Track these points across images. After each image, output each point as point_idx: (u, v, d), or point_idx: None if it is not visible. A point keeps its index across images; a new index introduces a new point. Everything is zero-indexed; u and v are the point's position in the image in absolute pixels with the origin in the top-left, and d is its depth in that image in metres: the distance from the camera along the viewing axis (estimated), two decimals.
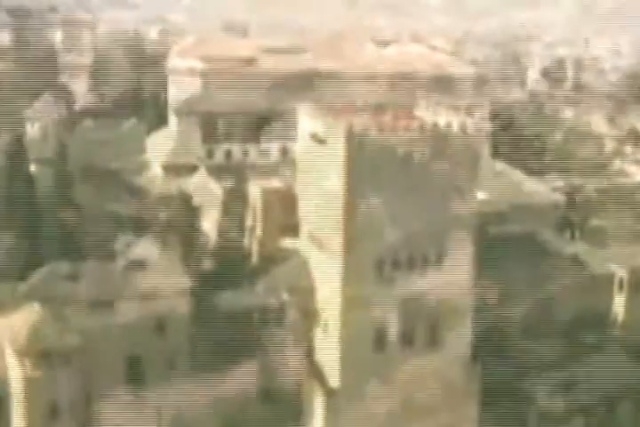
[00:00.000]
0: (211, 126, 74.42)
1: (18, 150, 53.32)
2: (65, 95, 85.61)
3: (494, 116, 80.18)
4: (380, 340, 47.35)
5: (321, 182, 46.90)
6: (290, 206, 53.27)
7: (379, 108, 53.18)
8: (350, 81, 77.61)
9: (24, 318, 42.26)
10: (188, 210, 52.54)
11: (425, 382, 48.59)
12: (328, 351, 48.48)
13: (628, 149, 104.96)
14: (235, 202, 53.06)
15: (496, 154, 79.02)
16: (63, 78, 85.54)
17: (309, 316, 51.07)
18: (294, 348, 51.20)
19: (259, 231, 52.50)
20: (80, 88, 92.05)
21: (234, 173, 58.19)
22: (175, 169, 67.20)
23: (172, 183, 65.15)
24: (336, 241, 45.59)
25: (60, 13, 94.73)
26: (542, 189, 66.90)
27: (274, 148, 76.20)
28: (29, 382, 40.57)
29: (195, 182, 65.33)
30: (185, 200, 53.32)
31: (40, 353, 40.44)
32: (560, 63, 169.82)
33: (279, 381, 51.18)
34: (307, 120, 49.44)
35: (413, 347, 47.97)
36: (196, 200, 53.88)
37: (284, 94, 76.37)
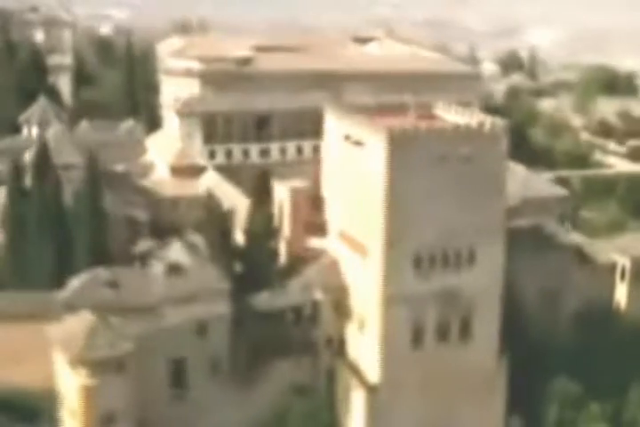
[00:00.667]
0: (211, 127, 74.65)
1: (43, 157, 52.91)
2: (54, 97, 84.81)
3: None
4: (417, 335, 48.87)
5: (358, 183, 48.03)
6: (317, 206, 54.22)
7: (400, 108, 54.60)
8: (351, 80, 78.74)
9: (77, 326, 42.36)
10: (218, 212, 52.88)
11: (458, 375, 50.41)
12: (365, 349, 49.75)
13: (602, 140, 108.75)
14: (260, 202, 53.58)
15: None
16: (51, 79, 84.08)
17: (342, 314, 52.30)
18: (327, 345, 52.58)
19: (287, 231, 53.20)
20: (65, 89, 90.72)
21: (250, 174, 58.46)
22: (183, 171, 67.29)
23: (184, 185, 65.32)
24: (375, 240, 46.78)
25: (40, 13, 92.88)
26: (546, 184, 69.09)
27: (274, 147, 76.96)
28: (87, 391, 40.69)
29: (206, 184, 65.56)
30: (215, 203, 53.62)
31: (96, 361, 40.62)
32: (512, 54, 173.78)
33: (313, 378, 52.54)
34: (336, 122, 50.30)
35: (448, 341, 49.61)
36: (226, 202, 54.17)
37: (283, 94, 77.25)
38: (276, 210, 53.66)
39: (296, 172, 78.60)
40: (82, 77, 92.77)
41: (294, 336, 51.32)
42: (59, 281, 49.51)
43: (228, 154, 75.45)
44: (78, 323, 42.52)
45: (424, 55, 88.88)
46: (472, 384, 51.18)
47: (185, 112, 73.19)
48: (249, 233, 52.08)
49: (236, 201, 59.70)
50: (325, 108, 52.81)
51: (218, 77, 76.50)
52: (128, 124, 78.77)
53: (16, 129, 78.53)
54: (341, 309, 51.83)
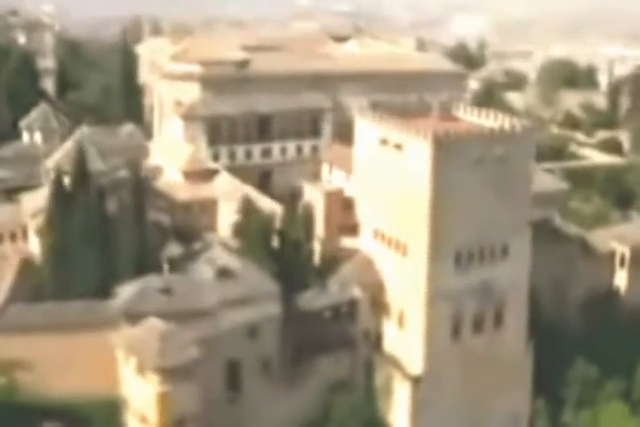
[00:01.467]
0: (214, 129, 75.39)
1: (82, 165, 52.98)
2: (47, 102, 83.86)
3: None
4: (456, 327, 51.36)
5: (397, 185, 50.02)
6: (347, 208, 56.01)
7: (422, 111, 56.75)
8: (346, 80, 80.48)
9: (144, 333, 43.25)
10: (257, 215, 54.10)
11: (492, 362, 53.11)
12: (405, 342, 51.92)
13: (570, 133, 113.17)
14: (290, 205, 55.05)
15: None
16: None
17: (378, 310, 54.30)
18: (364, 340, 54.56)
19: (320, 232, 54.79)
20: (49, 93, 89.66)
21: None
22: (196, 174, 67.98)
23: (198, 188, 66.05)
24: (418, 239, 48.97)
25: (21, 16, 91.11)
26: (549, 178, 72.40)
27: (275, 148, 78.24)
28: (161, 397, 41.65)
29: (221, 186, 66.49)
30: (253, 206, 54.72)
31: (169, 368, 41.61)
32: (461, 46, 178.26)
33: (351, 373, 54.43)
34: (370, 126, 52.19)
35: (483, 331, 52.27)
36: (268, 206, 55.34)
37: (281, 95, 78.48)
38: (300, 210, 55.47)
39: (296, 171, 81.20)
40: (64, 81, 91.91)
41: (334, 333, 53.38)
42: (103, 290, 50.49)
43: (232, 155, 76.47)
44: (145, 330, 43.57)
45: (411, 54, 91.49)
46: (504, 370, 54.11)
47: (189, 116, 74.14)
48: (283, 234, 53.59)
49: (260, 202, 61.26)
50: (356, 114, 54.69)
51: (218, 80, 77.44)
52: (128, 128, 79.12)
53: (9, 134, 78.28)
54: (378, 305, 54.20)
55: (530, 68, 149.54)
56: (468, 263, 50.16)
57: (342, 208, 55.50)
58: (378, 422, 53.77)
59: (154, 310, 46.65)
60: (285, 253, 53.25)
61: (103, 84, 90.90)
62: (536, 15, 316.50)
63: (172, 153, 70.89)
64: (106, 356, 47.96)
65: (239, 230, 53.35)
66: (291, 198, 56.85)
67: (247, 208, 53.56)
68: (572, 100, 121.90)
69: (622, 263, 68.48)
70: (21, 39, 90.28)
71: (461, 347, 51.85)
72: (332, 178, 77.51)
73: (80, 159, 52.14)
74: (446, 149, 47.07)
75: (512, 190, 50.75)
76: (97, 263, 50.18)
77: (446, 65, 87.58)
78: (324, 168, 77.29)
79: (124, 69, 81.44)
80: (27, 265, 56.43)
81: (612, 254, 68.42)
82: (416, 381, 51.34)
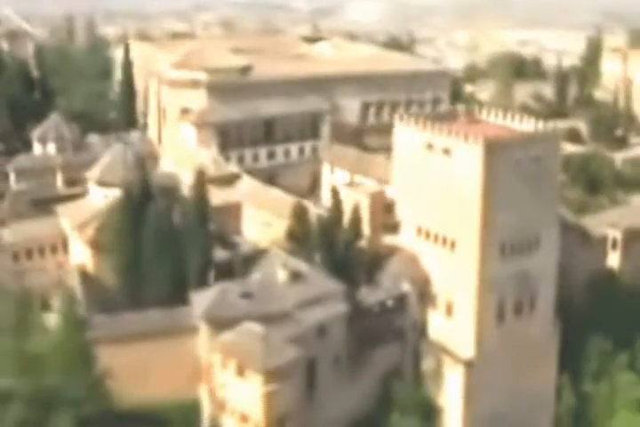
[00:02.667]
0: (224, 135, 77.47)
1: (144, 175, 54.70)
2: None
3: None
4: (500, 313, 56.33)
5: (445, 186, 54.34)
6: (389, 207, 59.86)
7: (450, 115, 61.04)
8: (341, 83, 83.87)
9: (242, 337, 46.00)
10: (306, 219, 57.28)
11: (527, 342, 58.36)
12: (454, 329, 56.57)
13: None
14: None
15: None
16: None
17: (425, 301, 58.54)
18: (414, 330, 58.77)
19: (366, 231, 58.42)
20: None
21: None
22: (220, 179, 70.08)
23: (224, 193, 68.22)
24: (468, 234, 53.62)
25: (3, 25, 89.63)
26: None
27: (279, 150, 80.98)
28: (267, 397, 44.55)
29: (245, 190, 68.94)
30: (304, 209, 57.83)
31: (273, 369, 44.59)
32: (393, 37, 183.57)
33: (402, 361, 58.56)
34: (412, 132, 56.19)
35: (521, 315, 57.50)
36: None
37: (282, 99, 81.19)
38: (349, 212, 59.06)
39: (299, 171, 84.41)
40: (46, 88, 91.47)
41: (386, 325, 57.34)
42: (173, 298, 52.66)
43: (241, 159, 78.91)
44: (242, 334, 46.30)
45: (393, 55, 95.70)
46: (536, 350, 59.71)
47: (201, 122, 76.03)
48: (333, 235, 56.90)
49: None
50: (395, 121, 58.54)
51: (223, 87, 79.55)
52: (135, 135, 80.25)
53: (11, 144, 77.99)
54: (424, 297, 58.50)
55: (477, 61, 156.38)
56: (510, 254, 55.41)
57: (383, 209, 59.62)
58: (430, 405, 58.60)
59: (236, 314, 49.46)
60: (337, 252, 56.86)
61: (93, 91, 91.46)
62: (434, 0, 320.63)
63: (189, 159, 72.80)
64: (184, 360, 50.81)
65: (293, 234, 56.56)
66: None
67: (300, 212, 56.78)
68: (524, 92, 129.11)
69: (614, 247, 75.53)
70: (4, 47, 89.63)
71: (504, 331, 57.05)
72: (335, 178, 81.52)
73: (143, 172, 53.96)
74: (494, 153, 51.89)
75: (544, 188, 56.16)
76: (167, 273, 52.68)
77: (429, 65, 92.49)
78: (325, 168, 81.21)
79: (124, 76, 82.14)
80: (86, 276, 58.45)
81: (604, 239, 75.59)
82: (468, 364, 56.22)
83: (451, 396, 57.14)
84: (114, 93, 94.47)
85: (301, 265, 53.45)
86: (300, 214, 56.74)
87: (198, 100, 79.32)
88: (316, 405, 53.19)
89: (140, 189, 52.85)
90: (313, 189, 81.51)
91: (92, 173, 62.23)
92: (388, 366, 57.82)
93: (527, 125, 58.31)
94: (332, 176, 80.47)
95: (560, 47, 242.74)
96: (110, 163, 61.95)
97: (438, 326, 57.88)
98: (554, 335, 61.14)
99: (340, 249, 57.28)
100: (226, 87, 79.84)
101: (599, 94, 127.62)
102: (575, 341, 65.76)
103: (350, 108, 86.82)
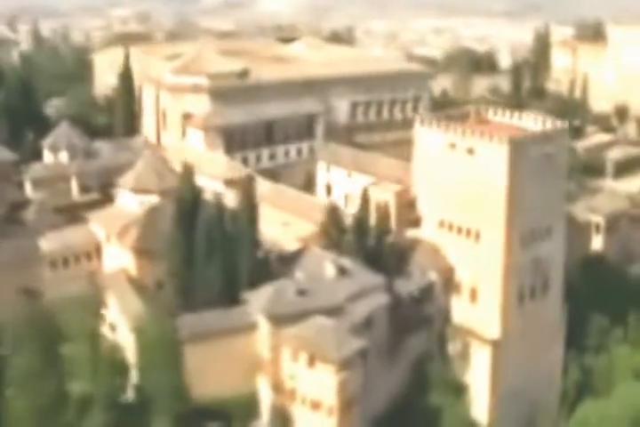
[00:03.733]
0: (229, 137, 79.98)
1: (190, 181, 56.96)
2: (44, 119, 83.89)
3: None
4: (520, 296, 61.42)
5: (469, 182, 58.90)
6: (411, 203, 64.01)
7: (460, 115, 65.46)
8: (333, 84, 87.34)
9: (311, 330, 49.69)
10: (339, 217, 60.80)
11: (541, 322, 63.69)
12: (479, 313, 61.40)
13: None
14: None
15: None
16: None
17: (448, 289, 63.03)
18: (439, 316, 63.25)
19: (393, 226, 62.41)
20: None
21: None
22: (238, 182, 72.51)
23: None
24: (493, 226, 58.58)
25: None
26: None
27: (279, 151, 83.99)
28: (341, 385, 48.57)
29: (263, 191, 71.69)
30: (336, 207, 61.34)
31: (345, 358, 48.33)
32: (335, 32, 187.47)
33: (430, 345, 63.01)
34: (435, 133, 60.55)
35: (536, 298, 62.72)
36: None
37: (280, 102, 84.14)
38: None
39: (296, 171, 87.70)
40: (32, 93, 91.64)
41: (417, 313, 61.67)
42: (224, 299, 55.46)
43: (245, 161, 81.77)
44: (311, 327, 50.03)
45: (375, 56, 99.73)
46: (549, 329, 65.26)
47: (208, 126, 78.39)
48: (363, 230, 60.70)
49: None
50: (415, 124, 62.60)
51: (225, 91, 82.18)
52: (139, 140, 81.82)
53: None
54: (448, 284, 63.02)
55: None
56: (528, 243, 60.63)
57: (406, 205, 63.82)
58: (458, 383, 63.32)
59: (294, 310, 52.81)
60: (369, 247, 60.72)
61: (80, 96, 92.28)
62: None
63: (202, 163, 74.98)
64: (243, 356, 53.78)
65: (327, 231, 60.08)
66: None
67: (334, 211, 60.33)
68: (481, 85, 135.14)
69: (598, 231, 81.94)
70: None
71: (523, 312, 62.33)
72: (331, 176, 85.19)
73: (191, 179, 56.35)
74: (518, 151, 56.87)
75: (555, 181, 61.57)
76: (218, 274, 55.37)
77: (412, 66, 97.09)
78: (320, 167, 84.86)
79: (124, 82, 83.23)
80: (131, 280, 60.51)
81: (588, 224, 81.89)
82: (495, 344, 61.21)
83: (478, 374, 62.13)
84: (99, 98, 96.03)
85: (344, 261, 57.32)
86: (334, 213, 60.51)
87: (200, 104, 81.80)
88: (365, 389, 57.47)
89: (190, 194, 55.51)
90: (308, 188, 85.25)
91: (126, 181, 64.21)
92: (418, 351, 62.50)
93: (533, 123, 63.78)
94: (328, 174, 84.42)
95: (479, 35, 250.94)
96: (144, 170, 64.19)
97: (463, 311, 62.84)
98: (562, 315, 67.23)
99: (371, 244, 61.50)
100: (227, 91, 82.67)
101: (552, 86, 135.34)
102: (575, 319, 71.92)
103: (340, 108, 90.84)
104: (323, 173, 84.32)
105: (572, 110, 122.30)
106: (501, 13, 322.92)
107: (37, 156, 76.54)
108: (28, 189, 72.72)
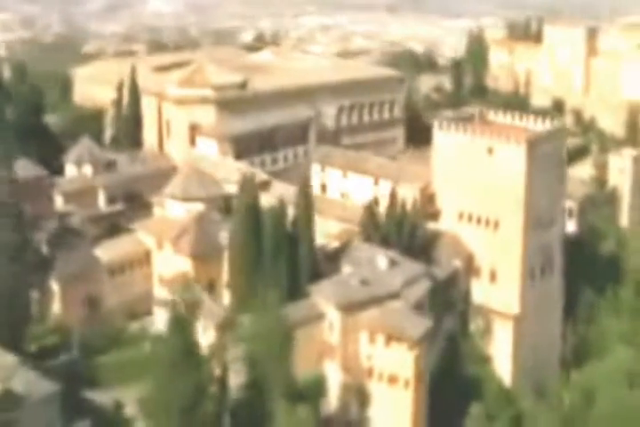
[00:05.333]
0: (237, 145, 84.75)
1: (252, 190, 61.79)
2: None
3: None
4: (532, 275, 69.85)
5: (488, 178, 66.83)
6: (431, 199, 71.24)
7: (465, 117, 73.18)
8: (320, 91, 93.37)
9: (386, 314, 56.44)
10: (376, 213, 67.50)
11: (545, 298, 72.48)
12: (499, 291, 69.62)
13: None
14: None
15: None
16: None
17: (468, 273, 70.70)
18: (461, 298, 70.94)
19: (415, 218, 69.57)
20: None
21: None
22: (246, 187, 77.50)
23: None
24: (512, 216, 66.90)
25: None
26: None
27: (280, 156, 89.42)
28: (416, 360, 55.39)
29: (280, 193, 77.01)
30: (374, 205, 67.92)
31: (420, 336, 55.60)
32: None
33: (455, 323, 70.63)
34: (451, 134, 68.09)
35: (544, 276, 71.45)
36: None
37: (277, 110, 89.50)
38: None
39: (295, 173, 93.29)
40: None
41: (447, 296, 69.13)
42: (289, 295, 61.25)
43: (251, 166, 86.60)
44: (385, 311, 56.68)
45: (349, 63, 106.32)
46: (553, 303, 74.17)
47: (220, 135, 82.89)
48: (398, 224, 67.64)
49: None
50: (435, 128, 69.99)
51: (229, 102, 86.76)
52: (148, 152, 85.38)
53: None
54: (469, 269, 70.69)
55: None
56: (539, 230, 69.35)
57: (427, 200, 71.17)
58: (482, 356, 71.21)
59: (360, 298, 59.15)
60: (403, 238, 67.72)
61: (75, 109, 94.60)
62: None
63: (219, 169, 79.62)
64: (312, 343, 59.64)
65: (365, 227, 66.62)
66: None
67: (371, 208, 67.22)
68: (426, 84, 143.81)
69: (571, 215, 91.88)
70: None
71: (535, 290, 71.11)
72: (326, 177, 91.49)
73: (252, 185, 61.44)
74: (532, 150, 65.31)
75: (556, 174, 70.62)
76: (284, 271, 61.01)
77: (388, 71, 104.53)
78: (315, 169, 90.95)
79: (131, 95, 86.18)
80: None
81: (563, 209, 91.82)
82: (516, 319, 69.55)
83: (501, 347, 70.52)
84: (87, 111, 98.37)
85: (388, 252, 64.06)
86: (371, 210, 67.18)
87: (206, 115, 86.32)
88: None
89: (252, 198, 60.82)
90: None
91: (173, 190, 68.34)
92: (449, 329, 70.26)
93: (532, 123, 72.35)
94: (323, 175, 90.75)
95: (368, 32, 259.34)
96: (187, 179, 68.62)
97: (483, 292, 70.85)
98: (562, 291, 76.41)
99: (404, 236, 68.48)
100: (230, 102, 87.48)
101: (491, 83, 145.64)
102: (567, 293, 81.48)
103: (328, 113, 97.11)
104: (317, 175, 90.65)
105: (516, 106, 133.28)
106: (383, 8, 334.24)
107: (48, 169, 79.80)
108: (59, 203, 76.23)
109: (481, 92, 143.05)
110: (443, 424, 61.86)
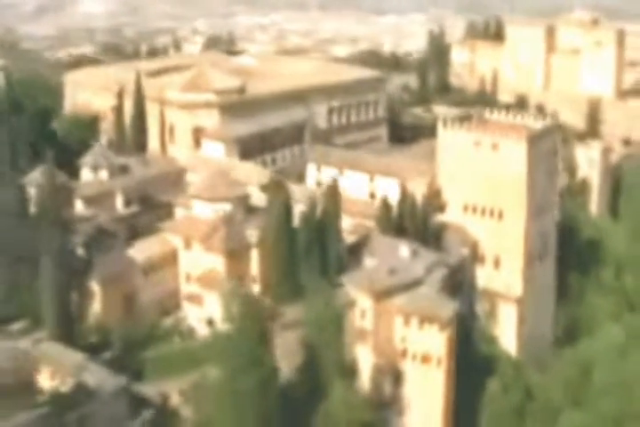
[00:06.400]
0: (242, 146, 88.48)
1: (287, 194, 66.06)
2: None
3: None
4: (531, 260, 75.80)
5: (493, 173, 72.34)
6: (437, 193, 76.42)
7: (465, 117, 78.58)
8: (313, 93, 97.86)
9: (416, 298, 61.25)
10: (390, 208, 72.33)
11: (541, 283, 78.69)
12: (502, 275, 75.24)
13: None
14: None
15: None
16: None
17: (475, 260, 76.20)
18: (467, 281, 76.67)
19: (425, 211, 74.77)
20: None
21: None
22: (273, 187, 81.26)
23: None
24: (516, 206, 72.67)
25: None
26: None
27: (279, 156, 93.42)
28: (449, 340, 61.10)
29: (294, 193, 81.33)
30: (388, 202, 72.76)
31: (450, 318, 60.83)
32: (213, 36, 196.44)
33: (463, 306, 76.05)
34: (455, 133, 73.50)
35: (542, 261, 77.73)
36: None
37: (275, 112, 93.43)
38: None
39: (293, 172, 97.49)
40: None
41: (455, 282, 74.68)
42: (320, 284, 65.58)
43: None
44: (415, 296, 61.65)
45: (335, 66, 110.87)
46: (548, 285, 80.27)
47: (227, 138, 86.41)
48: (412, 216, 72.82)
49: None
50: (440, 128, 75.31)
51: (231, 106, 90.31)
52: (155, 155, 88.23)
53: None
54: (474, 256, 76.18)
55: None
56: (538, 218, 75.45)
57: (433, 194, 76.40)
58: (488, 336, 76.88)
59: (389, 286, 64.16)
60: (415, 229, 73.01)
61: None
62: None
63: (229, 170, 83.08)
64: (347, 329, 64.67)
65: (381, 220, 71.65)
66: None
67: (386, 203, 72.25)
68: (394, 84, 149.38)
69: None
70: None
71: (534, 274, 77.27)
72: (321, 174, 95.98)
73: (282, 185, 65.48)
74: (532, 145, 71.25)
75: (550, 168, 76.86)
76: (315, 264, 65.38)
77: (372, 73, 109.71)
78: (310, 167, 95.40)
79: (136, 101, 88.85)
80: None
81: None
82: (520, 301, 75.47)
83: (506, 327, 76.37)
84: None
85: (405, 242, 69.16)
86: (386, 205, 72.22)
87: (210, 118, 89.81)
88: None
89: (285, 198, 65.01)
90: None
91: (200, 191, 71.62)
92: (459, 312, 75.43)
93: (527, 121, 78.22)
94: (319, 173, 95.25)
95: (304, 30, 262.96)
96: (213, 180, 72.14)
97: (487, 277, 76.56)
98: (555, 273, 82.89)
99: (417, 227, 73.62)
100: (232, 105, 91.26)
101: (455, 81, 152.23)
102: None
103: (320, 114, 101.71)
104: (313, 173, 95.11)
105: (482, 103, 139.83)
106: (315, 7, 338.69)
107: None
108: (79, 207, 78.74)
109: (445, 91, 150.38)
110: (463, 399, 67.63)
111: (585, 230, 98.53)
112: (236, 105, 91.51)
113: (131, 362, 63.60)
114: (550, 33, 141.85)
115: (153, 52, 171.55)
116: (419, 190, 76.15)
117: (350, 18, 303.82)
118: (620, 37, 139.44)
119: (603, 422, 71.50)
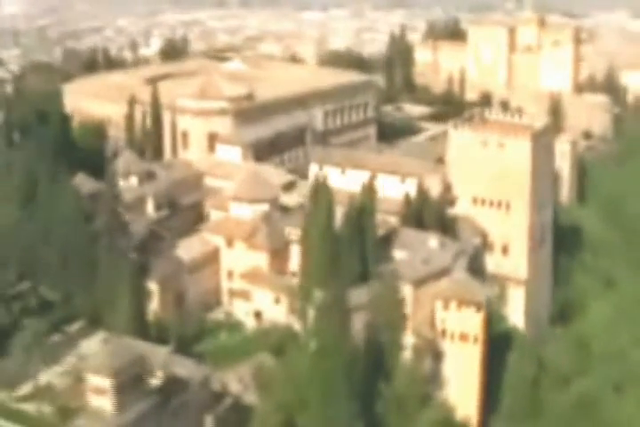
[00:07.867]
0: (255, 150, 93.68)
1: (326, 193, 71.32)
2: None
3: None
4: (535, 246, 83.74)
5: (500, 168, 79.87)
6: (448, 188, 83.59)
7: (466, 117, 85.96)
8: (312, 98, 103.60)
9: (454, 284, 68.29)
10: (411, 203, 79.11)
11: (544, 265, 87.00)
12: (510, 261, 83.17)
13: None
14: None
15: None
16: None
17: (485, 248, 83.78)
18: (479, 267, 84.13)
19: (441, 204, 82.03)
20: None
21: None
22: (285, 187, 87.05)
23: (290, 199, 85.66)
24: (522, 198, 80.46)
25: None
26: None
27: (285, 158, 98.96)
28: (483, 321, 67.92)
29: (304, 193, 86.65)
30: (411, 198, 79.35)
31: (483, 301, 67.70)
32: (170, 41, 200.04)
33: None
34: (464, 133, 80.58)
35: (542, 248, 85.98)
36: None
37: (281, 117, 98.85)
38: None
39: (298, 173, 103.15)
40: None
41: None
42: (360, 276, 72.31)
43: None
44: (452, 282, 68.58)
45: (326, 71, 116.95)
46: (546, 269, 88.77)
47: (242, 142, 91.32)
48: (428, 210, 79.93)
49: None
50: (450, 129, 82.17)
51: (243, 112, 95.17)
52: (172, 161, 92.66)
53: None
54: (484, 244, 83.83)
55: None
56: (539, 210, 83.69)
57: (447, 187, 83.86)
58: (498, 314, 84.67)
59: (424, 274, 71.10)
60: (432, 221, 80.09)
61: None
62: None
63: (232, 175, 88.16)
64: None
65: (405, 215, 78.35)
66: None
67: (408, 199, 79.07)
68: None
69: None
70: None
71: (536, 259, 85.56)
72: (324, 174, 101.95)
73: (325, 185, 71.52)
74: (535, 142, 79.21)
75: (548, 163, 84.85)
76: (355, 258, 71.58)
77: (361, 77, 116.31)
78: (312, 167, 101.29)
79: (153, 109, 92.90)
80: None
81: None
82: (527, 283, 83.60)
83: (515, 307, 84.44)
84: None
85: (434, 235, 76.14)
86: (408, 200, 79.16)
87: (223, 124, 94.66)
88: None
89: (328, 198, 70.93)
90: None
91: (238, 193, 77.27)
92: None
93: (524, 120, 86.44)
94: (321, 173, 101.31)
95: (233, 27, 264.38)
96: (249, 183, 77.41)
97: (496, 263, 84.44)
98: (551, 258, 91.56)
99: (435, 220, 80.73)
100: (243, 111, 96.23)
101: (419, 80, 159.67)
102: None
103: (317, 117, 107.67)
104: (315, 173, 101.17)
105: (449, 101, 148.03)
106: (236, 4, 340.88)
107: None
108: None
109: (411, 90, 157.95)
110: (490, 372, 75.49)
111: (562, 217, 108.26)
112: (246, 111, 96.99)
113: (189, 354, 69.27)
114: (512, 33, 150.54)
115: (111, 60, 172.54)
116: (433, 186, 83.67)
117: (272, 14, 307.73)
118: (577, 35, 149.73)
119: (606, 386, 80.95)
